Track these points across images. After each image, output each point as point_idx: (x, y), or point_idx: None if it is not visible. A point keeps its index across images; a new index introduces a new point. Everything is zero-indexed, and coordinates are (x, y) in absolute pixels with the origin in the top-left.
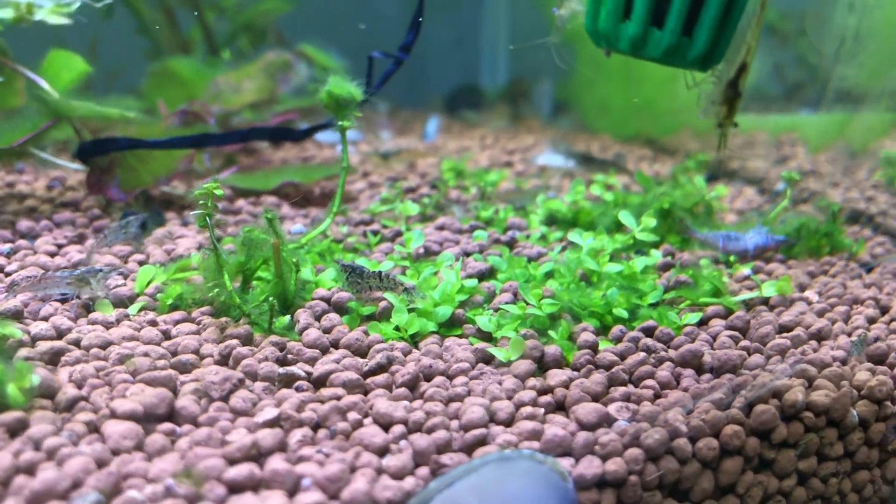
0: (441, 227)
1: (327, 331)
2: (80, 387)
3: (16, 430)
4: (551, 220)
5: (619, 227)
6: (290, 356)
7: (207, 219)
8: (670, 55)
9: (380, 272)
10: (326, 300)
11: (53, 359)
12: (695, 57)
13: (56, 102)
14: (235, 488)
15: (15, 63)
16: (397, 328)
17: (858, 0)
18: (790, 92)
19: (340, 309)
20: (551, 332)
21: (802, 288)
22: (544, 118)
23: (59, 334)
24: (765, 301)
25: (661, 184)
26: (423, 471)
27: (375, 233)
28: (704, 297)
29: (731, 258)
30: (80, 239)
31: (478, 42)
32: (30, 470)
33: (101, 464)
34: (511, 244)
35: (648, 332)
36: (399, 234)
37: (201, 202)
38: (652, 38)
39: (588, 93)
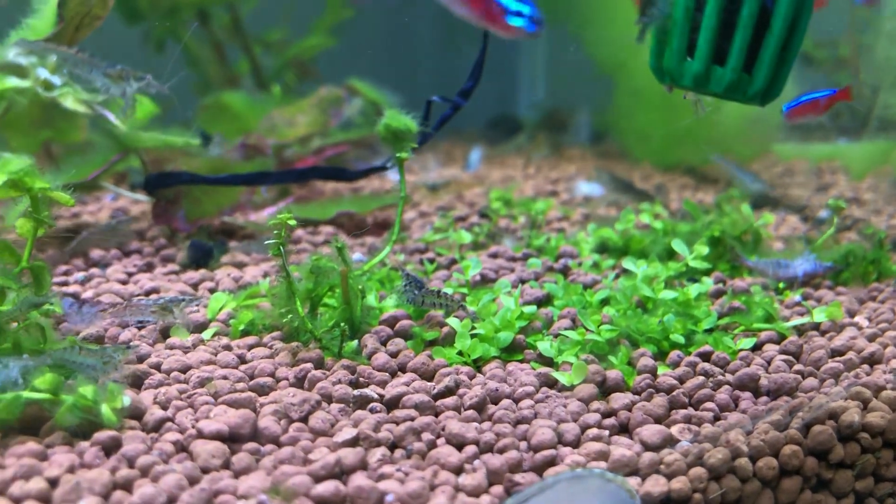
0: (494, 255)
1: (394, 355)
2: (165, 408)
3: (110, 448)
4: (602, 248)
5: (670, 254)
6: (361, 379)
7: (281, 248)
8: (731, 91)
9: (438, 290)
10: (391, 325)
11: (136, 382)
12: (754, 92)
13: (125, 136)
14: None
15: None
16: (460, 353)
17: None
18: (828, 120)
19: (404, 334)
20: (611, 358)
21: (852, 314)
22: (584, 147)
23: (140, 359)
24: (816, 326)
25: (707, 212)
26: (498, 489)
27: (431, 260)
28: (757, 322)
29: (781, 285)
30: (149, 267)
31: (515, 72)
32: (126, 486)
33: (192, 481)
34: (565, 272)
35: (705, 356)
36: (453, 261)
37: (275, 232)
38: (714, 75)
39: (628, 122)
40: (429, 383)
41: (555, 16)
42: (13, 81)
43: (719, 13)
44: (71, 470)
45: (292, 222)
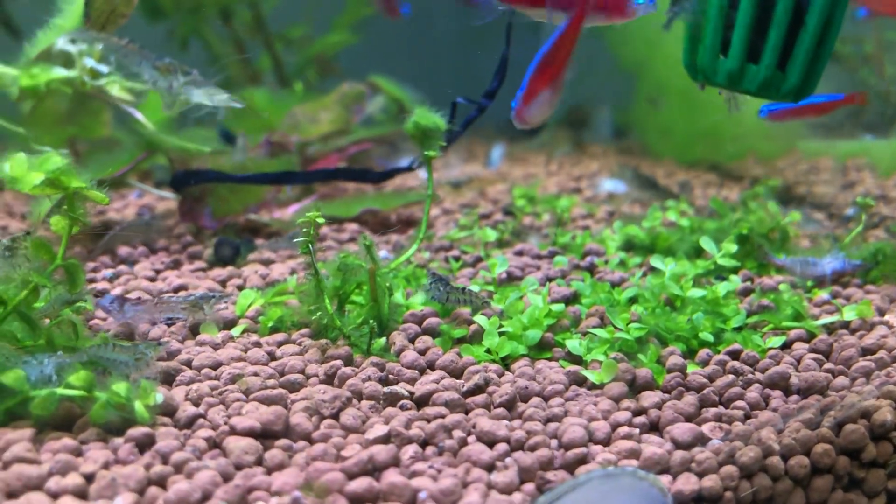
0: (520, 253)
1: (422, 352)
2: (197, 405)
3: (144, 444)
4: (629, 246)
5: (698, 252)
6: (390, 376)
7: (309, 245)
8: (765, 89)
9: (463, 287)
10: (418, 323)
11: (167, 379)
12: (788, 90)
13: (150, 135)
14: (356, 500)
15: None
16: (489, 350)
17: None
18: (851, 117)
19: (432, 332)
20: (640, 356)
21: (882, 312)
22: (606, 144)
23: (171, 355)
24: (846, 325)
25: (734, 210)
26: (529, 486)
27: (457, 258)
28: (786, 321)
29: (809, 283)
30: (176, 265)
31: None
32: (161, 482)
33: (226, 477)
34: (591, 270)
35: (734, 355)
36: (479, 259)
37: (304, 230)
38: (748, 72)
39: (650, 118)
40: (458, 381)
41: None
42: (60, 72)
43: (753, 10)
44: (106, 466)
45: (321, 220)
